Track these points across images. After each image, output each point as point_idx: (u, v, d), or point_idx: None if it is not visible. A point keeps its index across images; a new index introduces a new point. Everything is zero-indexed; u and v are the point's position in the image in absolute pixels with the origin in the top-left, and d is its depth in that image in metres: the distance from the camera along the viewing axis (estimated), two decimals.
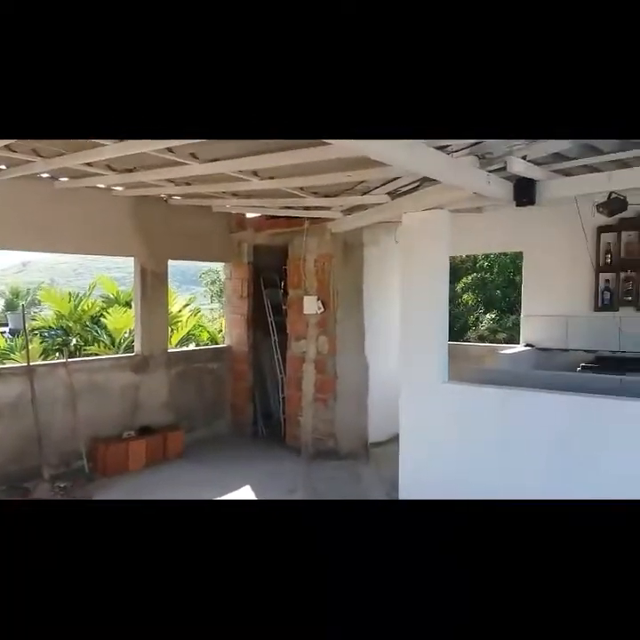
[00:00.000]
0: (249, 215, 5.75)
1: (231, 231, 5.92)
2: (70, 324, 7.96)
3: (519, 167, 3.01)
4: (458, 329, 11.08)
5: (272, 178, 3.64)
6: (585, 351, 5.01)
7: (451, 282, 3.72)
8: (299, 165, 3.19)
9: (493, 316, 11.02)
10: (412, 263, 3.72)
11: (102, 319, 7.80)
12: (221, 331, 7.86)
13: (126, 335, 7.58)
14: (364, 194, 3.99)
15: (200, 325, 8.78)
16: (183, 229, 5.47)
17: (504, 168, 3.13)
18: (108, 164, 3.66)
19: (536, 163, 3.20)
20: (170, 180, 4.04)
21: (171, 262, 5.54)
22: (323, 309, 5.13)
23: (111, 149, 3.03)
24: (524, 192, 3.41)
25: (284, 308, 6.02)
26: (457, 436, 3.45)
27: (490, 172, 3.19)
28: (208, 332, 8.66)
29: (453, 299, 11.37)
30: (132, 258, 5.26)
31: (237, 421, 6.08)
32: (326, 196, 4.20)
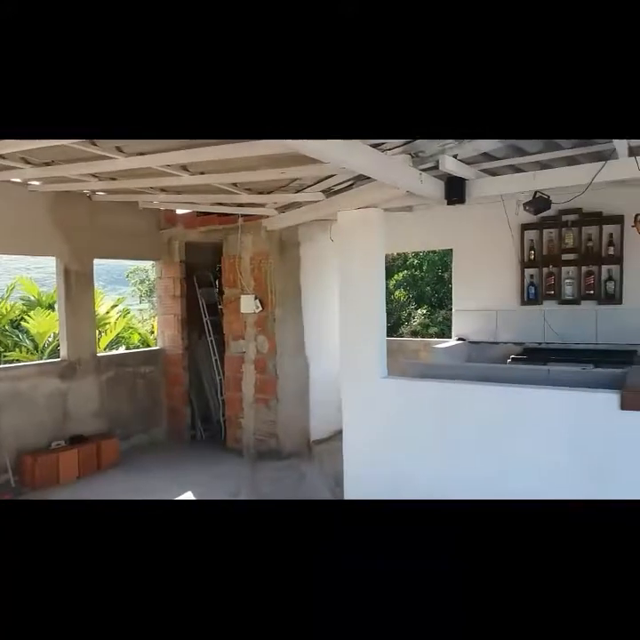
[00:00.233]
0: (179, 211, 5.56)
1: (160, 228, 5.70)
2: None
3: (451, 166, 3.09)
4: (392, 325, 11.32)
5: (203, 173, 3.53)
6: (513, 343, 5.24)
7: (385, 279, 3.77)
8: (230, 161, 3.11)
9: (425, 311, 11.35)
10: (348, 261, 3.74)
11: (23, 323, 7.31)
12: (153, 332, 7.58)
13: (51, 339, 7.15)
14: (299, 191, 3.95)
15: (130, 327, 8.44)
16: (109, 227, 5.20)
17: (435, 167, 3.20)
18: (23, 156, 3.40)
19: (465, 162, 3.29)
20: (93, 175, 3.82)
21: (96, 261, 5.26)
22: (261, 308, 5.05)
23: (26, 140, 2.81)
24: (455, 191, 3.50)
25: (219, 307, 5.88)
26: (397, 429, 3.51)
27: (422, 170, 3.24)
28: (139, 333, 8.33)
29: (386, 295, 11.52)
30: (54, 258, 4.95)
31: (175, 426, 5.88)
32: (260, 193, 4.13)
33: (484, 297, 5.46)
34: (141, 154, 3.17)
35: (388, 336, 3.80)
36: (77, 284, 5.04)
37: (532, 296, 5.18)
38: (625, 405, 2.70)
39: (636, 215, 3.18)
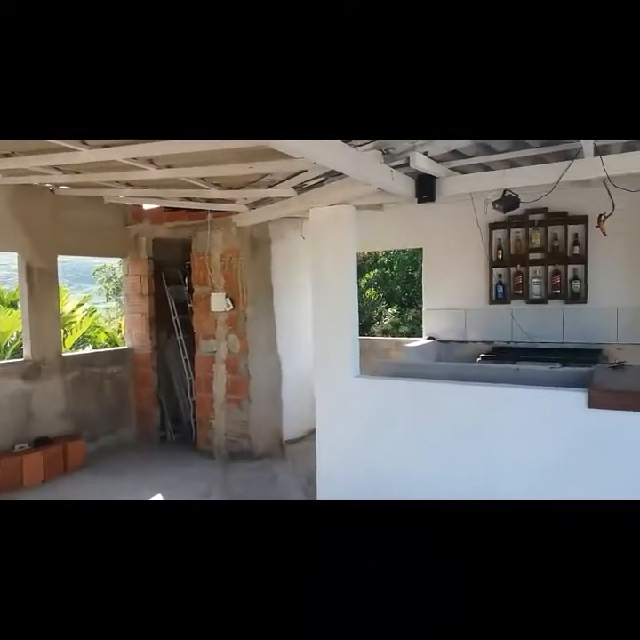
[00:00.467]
0: (146, 206, 5.43)
1: (127, 224, 5.56)
2: None
3: (421, 163, 3.09)
4: (363, 324, 11.36)
5: (170, 167, 3.45)
6: (483, 342, 5.31)
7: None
8: (198, 154, 3.05)
9: (395, 310, 11.43)
10: (321, 258, 3.71)
11: None
12: (121, 331, 7.41)
13: (13, 339, 6.91)
14: (269, 187, 3.91)
15: (97, 326, 8.23)
16: (73, 222, 5.05)
17: (406, 164, 3.20)
18: None
19: (436, 159, 3.31)
20: (56, 168, 3.69)
21: (61, 258, 5.10)
22: (232, 307, 4.98)
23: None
24: (425, 188, 3.52)
25: (189, 305, 5.77)
26: (370, 428, 3.50)
27: (393, 167, 3.24)
28: (106, 333, 8.13)
29: (358, 294, 11.61)
30: (15, 254, 4.78)
31: (144, 428, 5.75)
32: (230, 189, 4.06)
33: (454, 296, 5.52)
34: (106, 146, 3.07)
35: (359, 335, 3.79)
36: (40, 282, 4.87)
37: (500, 295, 5.26)
38: (592, 403, 2.74)
39: (600, 215, 3.24)
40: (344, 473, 3.57)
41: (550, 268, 5.03)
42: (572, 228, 4.90)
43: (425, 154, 3.10)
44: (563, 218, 4.92)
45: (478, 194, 3.84)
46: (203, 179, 3.82)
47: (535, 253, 5.08)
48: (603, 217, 3.20)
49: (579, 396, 2.81)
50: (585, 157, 2.95)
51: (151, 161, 3.42)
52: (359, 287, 11.65)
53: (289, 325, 5.39)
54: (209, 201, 4.55)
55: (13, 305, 7.33)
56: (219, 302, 4.98)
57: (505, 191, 3.28)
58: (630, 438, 2.69)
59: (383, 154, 3.02)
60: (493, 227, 5.20)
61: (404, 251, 10.55)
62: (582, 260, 4.88)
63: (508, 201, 3.25)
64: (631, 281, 4.73)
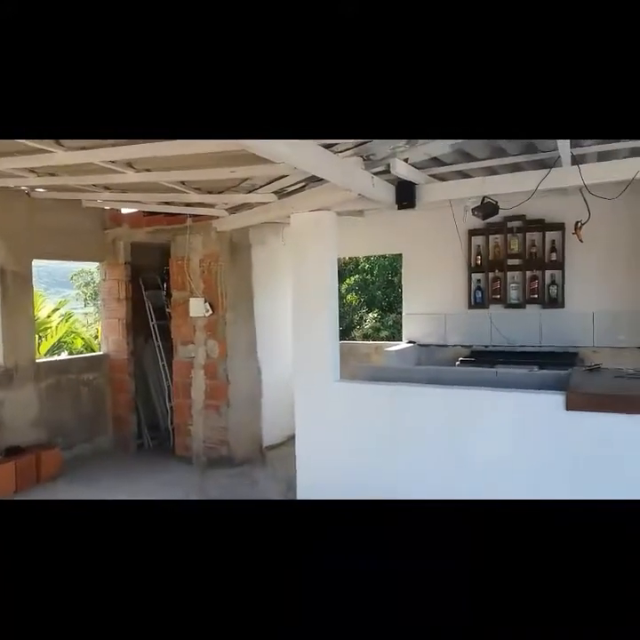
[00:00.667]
0: (125, 210, 5.36)
1: (105, 228, 5.47)
2: None
3: (401, 169, 3.10)
4: (344, 328, 11.37)
5: (149, 170, 3.40)
6: (462, 346, 5.36)
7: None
8: (178, 158, 3.01)
9: (376, 314, 11.48)
10: (301, 264, 3.70)
11: None
12: (98, 337, 7.28)
13: None
14: (250, 192, 3.88)
15: (73, 332, 8.07)
16: (49, 226, 4.94)
17: (387, 171, 3.21)
18: None
19: (416, 166, 3.32)
20: (31, 170, 3.61)
21: (36, 262, 4.99)
22: (211, 312, 4.93)
23: None
24: (405, 195, 3.53)
25: (167, 311, 5.70)
26: (350, 432, 3.49)
27: (374, 174, 3.25)
28: (82, 338, 7.98)
29: (339, 299, 11.63)
30: None
31: (121, 435, 5.64)
32: (210, 193, 4.02)
33: (433, 301, 5.56)
34: (83, 148, 3.02)
35: (340, 340, 3.78)
36: (14, 286, 4.75)
37: (478, 300, 5.31)
38: (569, 406, 2.78)
39: (577, 222, 3.30)
40: (324, 478, 3.55)
41: (528, 273, 5.11)
42: (550, 235, 4.99)
43: (405, 160, 3.11)
44: (540, 225, 5.00)
45: (457, 201, 3.88)
46: (182, 182, 3.78)
47: (513, 259, 5.15)
48: (579, 224, 3.25)
49: (556, 399, 2.85)
50: (563, 166, 3.00)
51: (130, 164, 3.37)
52: (340, 292, 11.66)
53: (269, 330, 5.35)
54: (188, 205, 4.50)
55: None
56: (197, 307, 4.93)
57: (484, 198, 3.31)
58: (607, 439, 2.73)
59: (364, 160, 3.03)
60: (472, 233, 5.26)
61: (384, 256, 10.60)
62: (559, 265, 4.97)
63: (487, 208, 3.29)
64: (607, 286, 4.83)
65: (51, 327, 7.29)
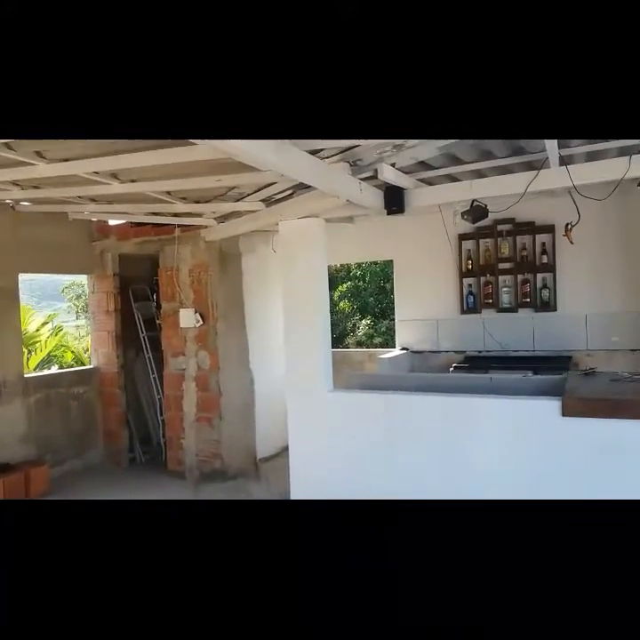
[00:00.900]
0: (112, 222, 5.30)
1: (92, 240, 5.41)
2: None
3: (389, 174, 3.08)
4: (337, 335, 11.32)
5: (134, 181, 3.35)
6: (455, 352, 5.32)
7: (328, 290, 3.73)
8: (163, 168, 2.96)
9: (368, 321, 11.45)
10: (291, 272, 3.66)
11: None
12: (88, 350, 7.19)
13: None
14: (238, 200, 3.84)
15: (63, 345, 7.97)
16: (35, 239, 4.88)
17: (374, 176, 3.18)
18: None
19: (403, 171, 3.30)
20: (14, 183, 3.56)
21: (27, 276, 4.92)
22: (201, 322, 4.87)
23: None
24: (394, 200, 3.50)
25: (157, 322, 5.63)
26: (344, 443, 3.44)
27: (361, 179, 3.22)
28: (72, 352, 7.88)
29: (331, 307, 11.60)
30: None
31: (112, 449, 5.55)
32: (197, 202, 3.98)
33: (425, 306, 5.53)
34: (66, 160, 2.97)
35: (333, 347, 3.74)
36: (1, 300, 4.68)
37: (471, 305, 5.28)
38: (566, 412, 2.74)
39: (567, 224, 3.28)
40: (318, 490, 3.49)
41: (519, 277, 5.09)
42: (540, 238, 4.98)
43: (392, 165, 3.09)
44: (530, 228, 4.99)
45: (447, 205, 3.85)
46: (168, 193, 3.74)
47: (504, 263, 5.13)
48: (569, 226, 3.23)
49: (552, 405, 2.81)
50: (551, 167, 2.98)
51: (114, 175, 3.32)
52: (332, 300, 11.68)
53: (262, 340, 5.29)
54: (176, 215, 4.46)
55: None
56: (188, 318, 4.87)
57: (473, 202, 3.29)
58: (605, 445, 2.69)
59: (351, 165, 3.00)
60: (462, 237, 5.24)
61: (376, 263, 10.59)
62: (551, 268, 4.95)
63: (476, 211, 3.26)
64: (598, 287, 4.82)
65: (40, 341, 7.19)
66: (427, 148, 2.80)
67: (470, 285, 5.31)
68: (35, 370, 6.93)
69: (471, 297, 5.29)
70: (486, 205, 3.29)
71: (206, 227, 4.62)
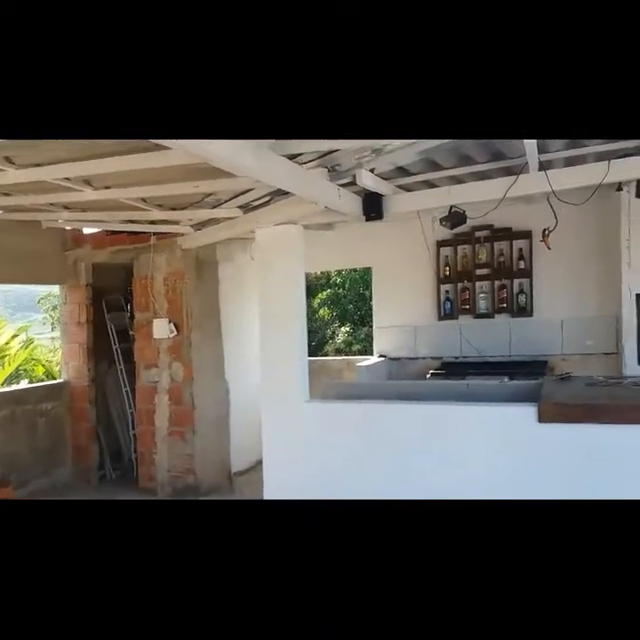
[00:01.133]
0: (87, 230, 5.16)
1: (66, 249, 5.26)
2: None
3: (367, 180, 3.05)
4: (317, 343, 11.28)
5: (108, 187, 3.26)
6: (432, 358, 5.31)
7: (307, 298, 3.66)
8: (138, 173, 2.88)
9: (348, 328, 11.44)
10: (268, 279, 3.59)
11: None
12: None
13: None
14: (215, 207, 3.77)
15: (34, 359, 7.72)
16: (6, 248, 4.70)
17: (353, 183, 3.16)
18: None
19: (382, 177, 3.28)
20: None
21: (1, 287, 4.75)
22: (175, 333, 4.75)
23: None
24: (373, 206, 3.48)
25: (131, 333, 5.49)
26: (321, 454, 3.36)
27: (340, 185, 3.19)
28: (43, 365, 7.64)
29: (311, 314, 11.60)
30: None
31: (81, 467, 5.34)
32: (173, 209, 3.90)
33: (403, 313, 5.52)
34: (37, 165, 2.87)
35: (313, 356, 3.68)
36: None
37: (448, 311, 5.29)
38: (542, 418, 2.71)
39: (544, 230, 3.30)
40: None
41: (496, 282, 5.12)
42: (517, 243, 5.02)
43: (371, 171, 3.06)
44: (508, 234, 5.03)
45: (425, 212, 3.85)
46: (144, 199, 3.65)
47: (481, 269, 5.16)
48: (547, 231, 3.26)
49: (528, 411, 2.77)
50: (530, 172, 2.99)
51: (87, 181, 3.22)
52: (312, 307, 11.63)
53: (238, 348, 5.20)
54: (152, 223, 4.36)
55: None
56: (161, 328, 4.75)
57: (451, 208, 3.28)
58: (580, 450, 2.67)
59: (329, 171, 2.96)
60: (440, 244, 5.26)
61: (356, 270, 10.60)
62: (527, 274, 5.00)
63: (454, 217, 3.26)
64: (574, 292, 4.87)
65: (9, 354, 6.94)
66: (406, 153, 2.79)
67: (447, 292, 5.32)
68: (3, 385, 6.68)
69: (448, 303, 5.30)
70: (464, 211, 3.29)
71: (183, 234, 4.54)
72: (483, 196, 3.19)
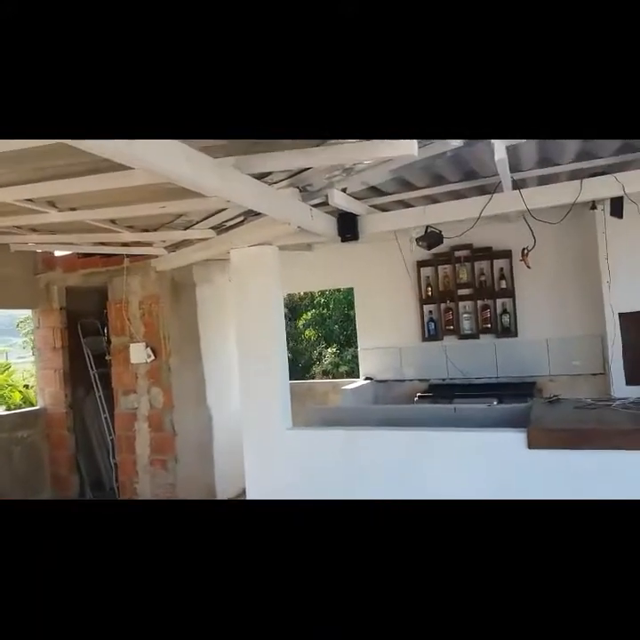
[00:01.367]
0: (58, 253, 5.05)
1: (37, 272, 5.14)
2: None
3: (339, 200, 2.98)
4: (303, 365, 11.14)
5: (74, 209, 3.16)
6: (419, 380, 5.21)
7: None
8: (103, 194, 2.79)
9: (334, 349, 11.31)
10: (244, 303, 3.49)
11: None
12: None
13: None
14: (187, 228, 3.68)
15: (10, 385, 7.52)
16: None
17: (325, 203, 3.09)
18: None
19: (355, 197, 3.21)
20: None
21: None
22: (153, 357, 4.62)
23: None
24: (347, 227, 3.41)
25: (108, 358, 5.35)
26: (304, 482, 3.24)
27: (313, 206, 3.12)
28: (20, 392, 7.44)
29: (296, 336, 11.47)
30: None
31: (61, 496, 5.15)
32: (145, 231, 3.80)
33: (388, 334, 5.43)
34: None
35: (299, 378, 3.58)
36: None
37: (432, 332, 5.21)
38: (532, 444, 2.65)
39: (523, 249, 3.24)
40: None
41: (479, 302, 5.05)
42: (498, 263, 4.97)
43: (343, 191, 2.99)
44: (487, 253, 4.98)
45: (402, 232, 3.79)
46: (113, 221, 3.55)
47: (463, 289, 5.09)
48: (526, 251, 3.20)
49: (518, 437, 2.71)
50: (504, 191, 2.93)
51: (51, 203, 3.12)
52: (297, 328, 11.52)
53: (220, 373, 5.07)
54: (125, 245, 4.25)
55: None
56: (138, 353, 4.62)
57: (427, 228, 3.22)
58: (570, 476, 2.60)
59: (300, 191, 2.89)
60: (421, 264, 5.20)
61: (339, 290, 10.53)
62: (510, 293, 4.93)
63: (431, 237, 3.20)
64: (558, 312, 4.80)
65: None
66: (377, 172, 2.72)
67: (431, 312, 5.24)
68: None
69: (432, 324, 5.21)
70: (441, 231, 3.23)
71: (157, 256, 4.44)
72: (458, 216, 3.13)
